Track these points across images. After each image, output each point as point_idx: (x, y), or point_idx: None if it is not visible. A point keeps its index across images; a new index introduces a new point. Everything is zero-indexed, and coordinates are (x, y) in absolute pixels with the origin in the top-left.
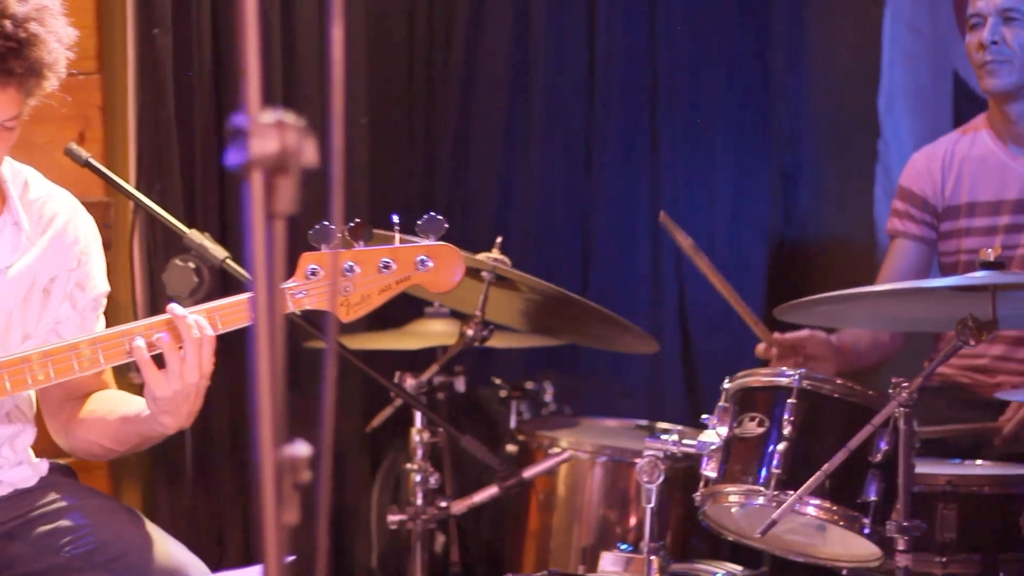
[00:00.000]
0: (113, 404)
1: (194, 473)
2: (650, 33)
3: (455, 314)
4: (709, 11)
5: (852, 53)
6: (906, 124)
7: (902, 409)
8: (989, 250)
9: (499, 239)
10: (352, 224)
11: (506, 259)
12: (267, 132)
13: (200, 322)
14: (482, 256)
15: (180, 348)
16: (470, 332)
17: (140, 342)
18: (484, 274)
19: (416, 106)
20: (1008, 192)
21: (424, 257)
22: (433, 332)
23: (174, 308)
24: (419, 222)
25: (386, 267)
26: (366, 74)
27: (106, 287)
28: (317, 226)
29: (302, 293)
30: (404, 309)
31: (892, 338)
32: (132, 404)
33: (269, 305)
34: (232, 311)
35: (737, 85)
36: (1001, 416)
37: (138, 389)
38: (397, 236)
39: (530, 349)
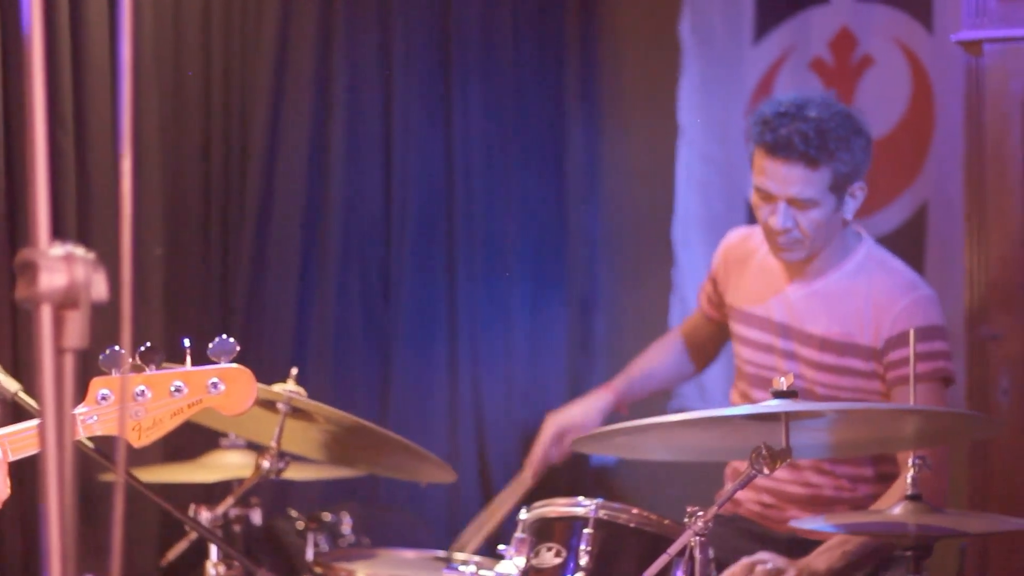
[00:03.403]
0: None
1: None
2: (446, 162)
3: (251, 446)
4: (504, 141)
5: (647, 182)
6: (701, 253)
7: (697, 538)
8: (782, 379)
9: (294, 370)
10: (143, 349)
11: (302, 390)
12: (56, 266)
13: None
14: (278, 387)
15: None
16: (266, 464)
17: None
18: (280, 405)
19: (212, 237)
20: (776, 313)
21: (216, 380)
22: (229, 464)
23: None
24: (210, 345)
25: (178, 391)
26: (161, 205)
27: None
28: (108, 351)
29: (93, 419)
30: (199, 441)
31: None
32: None
33: (59, 438)
34: (22, 438)
35: (533, 214)
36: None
37: None
38: (188, 360)
39: (327, 480)
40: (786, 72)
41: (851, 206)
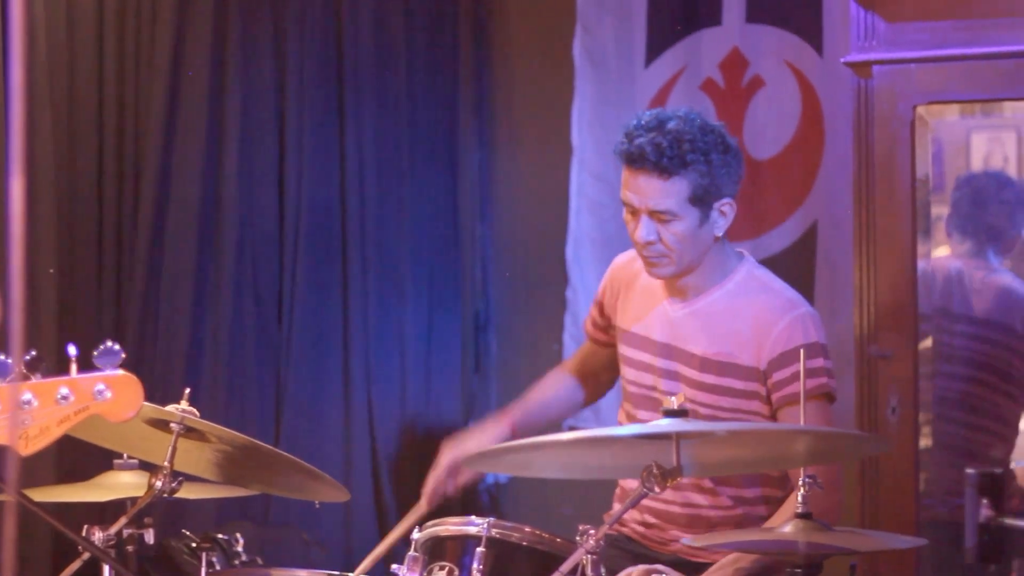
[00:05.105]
0: None
1: None
2: (339, 183)
3: (144, 466)
4: (397, 161)
5: (540, 203)
6: (594, 273)
7: (589, 556)
8: (672, 398)
9: (187, 390)
10: (28, 357)
11: (195, 410)
12: None
13: None
14: (171, 407)
15: None
16: (159, 483)
17: None
18: (173, 425)
19: (105, 257)
20: (656, 332)
21: (102, 387)
22: (122, 484)
23: None
24: (95, 353)
25: (64, 398)
26: (55, 225)
27: None
28: None
29: None
30: (92, 461)
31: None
32: None
33: None
34: None
35: (427, 233)
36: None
37: None
38: (74, 367)
39: (221, 500)
40: (678, 93)
41: (721, 223)
